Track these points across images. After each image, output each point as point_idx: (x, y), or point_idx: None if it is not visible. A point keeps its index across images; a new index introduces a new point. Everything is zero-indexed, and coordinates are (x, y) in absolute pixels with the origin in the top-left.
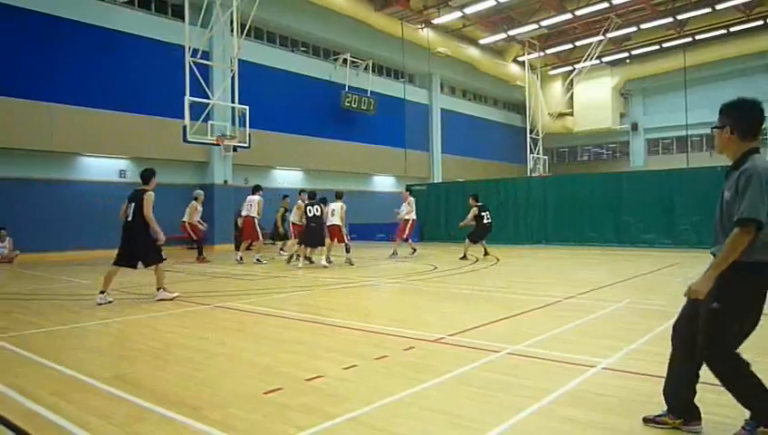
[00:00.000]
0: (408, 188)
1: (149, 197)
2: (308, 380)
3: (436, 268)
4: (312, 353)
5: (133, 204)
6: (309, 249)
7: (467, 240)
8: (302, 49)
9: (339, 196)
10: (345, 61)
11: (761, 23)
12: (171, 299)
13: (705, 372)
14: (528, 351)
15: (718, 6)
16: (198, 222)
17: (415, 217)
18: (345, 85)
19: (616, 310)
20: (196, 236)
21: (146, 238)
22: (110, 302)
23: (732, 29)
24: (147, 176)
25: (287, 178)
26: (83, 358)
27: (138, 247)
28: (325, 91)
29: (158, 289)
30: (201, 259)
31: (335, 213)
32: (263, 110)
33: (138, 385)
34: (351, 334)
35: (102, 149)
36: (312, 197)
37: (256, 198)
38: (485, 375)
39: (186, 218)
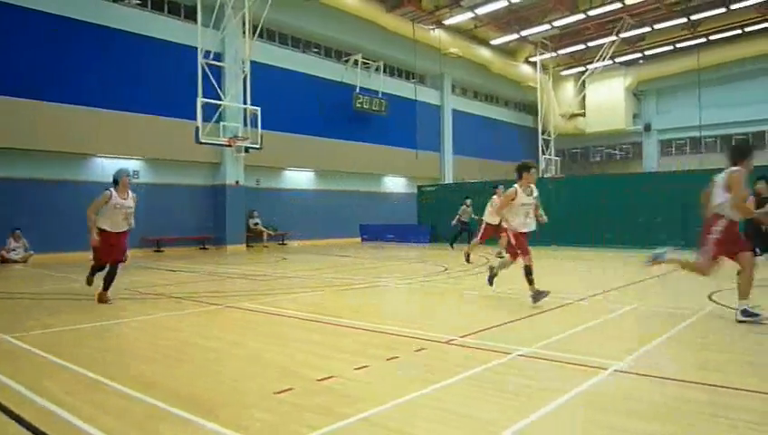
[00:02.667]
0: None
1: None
2: (320, 380)
3: (446, 269)
4: (324, 354)
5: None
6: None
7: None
8: (314, 50)
9: (493, 187)
10: (356, 62)
11: None
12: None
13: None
14: (540, 352)
15: (733, 6)
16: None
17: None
18: (356, 86)
19: (629, 312)
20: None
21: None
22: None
23: (747, 29)
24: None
25: (299, 178)
26: (99, 357)
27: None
28: (337, 92)
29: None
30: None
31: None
32: (274, 111)
33: (152, 385)
34: (362, 335)
35: (115, 150)
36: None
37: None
38: (497, 377)
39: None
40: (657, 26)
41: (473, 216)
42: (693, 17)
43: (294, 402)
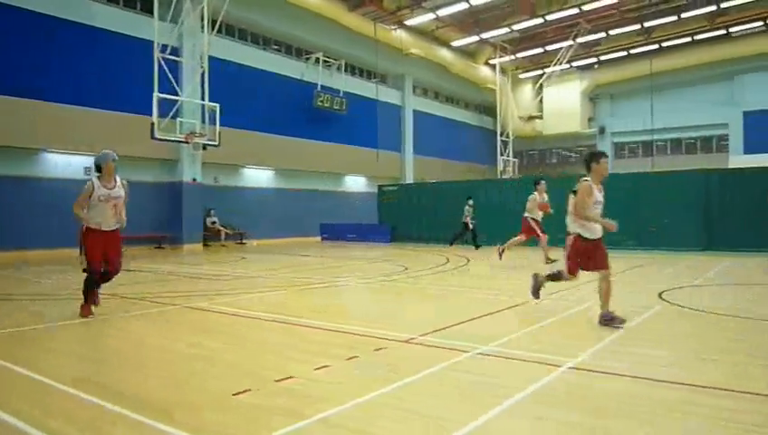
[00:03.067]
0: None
1: None
2: (278, 381)
3: (407, 269)
4: (283, 354)
5: None
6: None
7: None
8: (275, 47)
9: (535, 182)
10: (318, 60)
11: (723, 32)
12: None
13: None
14: (497, 350)
15: (683, 15)
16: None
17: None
18: (317, 84)
19: (583, 310)
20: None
21: None
22: None
23: (696, 37)
24: None
25: (258, 177)
26: (48, 360)
27: None
28: (297, 90)
29: None
30: None
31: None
32: (233, 107)
33: (105, 387)
34: (322, 335)
35: (67, 145)
36: None
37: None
38: (456, 375)
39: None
40: (612, 32)
41: (472, 219)
42: (646, 24)
43: (252, 404)
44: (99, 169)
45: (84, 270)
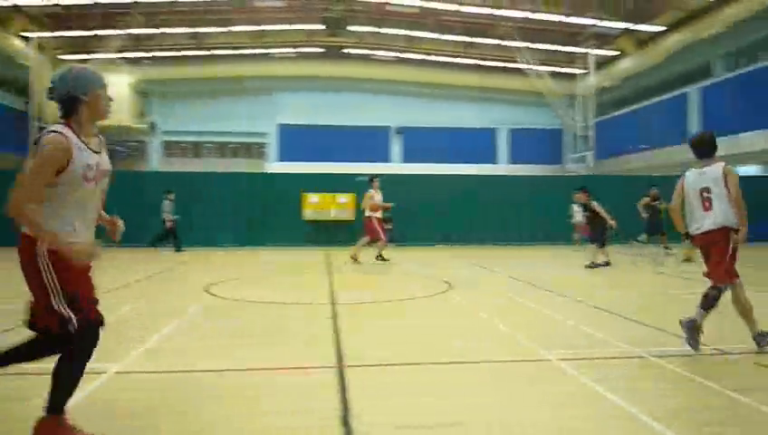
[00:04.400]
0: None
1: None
2: None
3: None
4: None
5: None
6: None
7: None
8: None
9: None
10: None
11: (265, 51)
12: None
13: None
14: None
15: (233, 28)
16: None
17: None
18: None
19: (130, 310)
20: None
21: None
22: None
23: (241, 51)
24: None
25: None
26: None
27: None
28: None
29: None
30: None
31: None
32: None
33: None
34: None
35: None
36: None
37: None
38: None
39: None
40: (165, 31)
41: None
42: (197, 29)
43: None
44: (70, 104)
45: (59, 328)
